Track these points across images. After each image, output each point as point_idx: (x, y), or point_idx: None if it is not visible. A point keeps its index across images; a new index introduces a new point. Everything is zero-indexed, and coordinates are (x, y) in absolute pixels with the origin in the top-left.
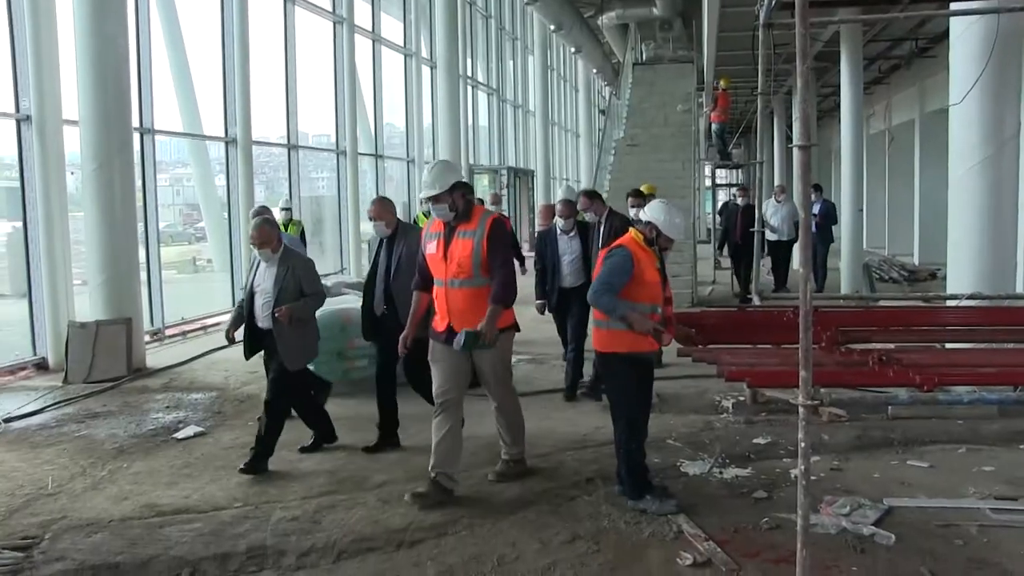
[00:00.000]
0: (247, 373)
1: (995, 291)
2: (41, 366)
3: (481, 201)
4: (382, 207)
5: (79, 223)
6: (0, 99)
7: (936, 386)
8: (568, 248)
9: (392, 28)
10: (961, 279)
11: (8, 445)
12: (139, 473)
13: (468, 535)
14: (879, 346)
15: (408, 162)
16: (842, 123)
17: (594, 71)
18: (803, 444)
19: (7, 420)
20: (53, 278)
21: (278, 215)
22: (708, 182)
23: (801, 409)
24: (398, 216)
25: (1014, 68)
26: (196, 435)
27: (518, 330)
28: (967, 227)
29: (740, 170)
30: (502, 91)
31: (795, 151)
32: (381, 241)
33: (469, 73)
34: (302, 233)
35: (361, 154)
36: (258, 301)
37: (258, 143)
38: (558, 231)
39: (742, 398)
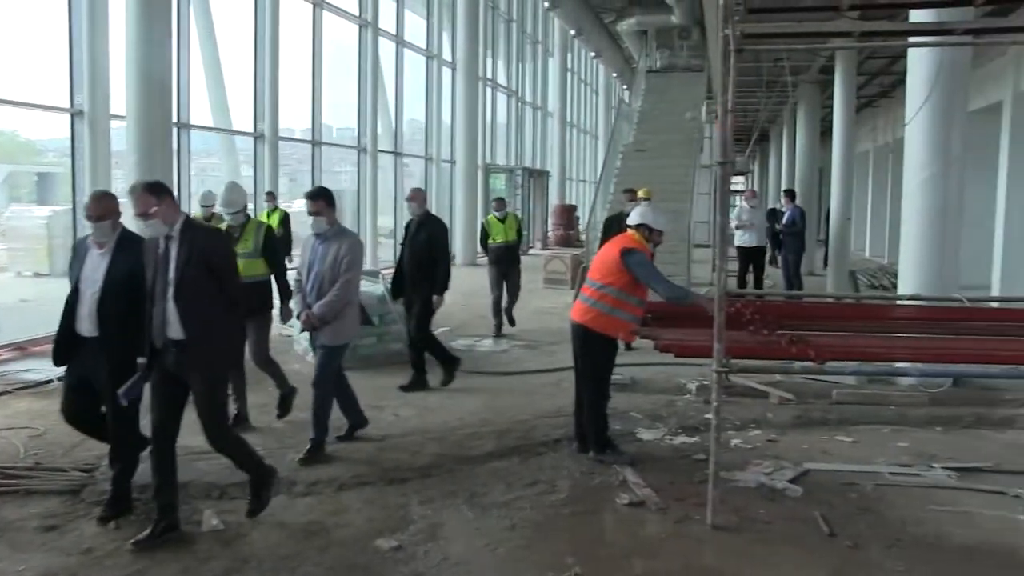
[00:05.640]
0: None
1: (940, 292)
2: None
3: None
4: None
5: None
6: (55, 94)
7: (825, 359)
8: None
9: (417, 29)
10: (908, 281)
11: None
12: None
13: (448, 476)
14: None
15: (426, 160)
16: (834, 138)
17: (614, 75)
18: (715, 403)
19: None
20: None
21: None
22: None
23: (713, 373)
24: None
25: (960, 94)
26: None
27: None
28: (916, 235)
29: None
30: (521, 93)
31: (716, 168)
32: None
33: (489, 75)
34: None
35: (381, 151)
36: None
37: (284, 139)
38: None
39: (706, 382)
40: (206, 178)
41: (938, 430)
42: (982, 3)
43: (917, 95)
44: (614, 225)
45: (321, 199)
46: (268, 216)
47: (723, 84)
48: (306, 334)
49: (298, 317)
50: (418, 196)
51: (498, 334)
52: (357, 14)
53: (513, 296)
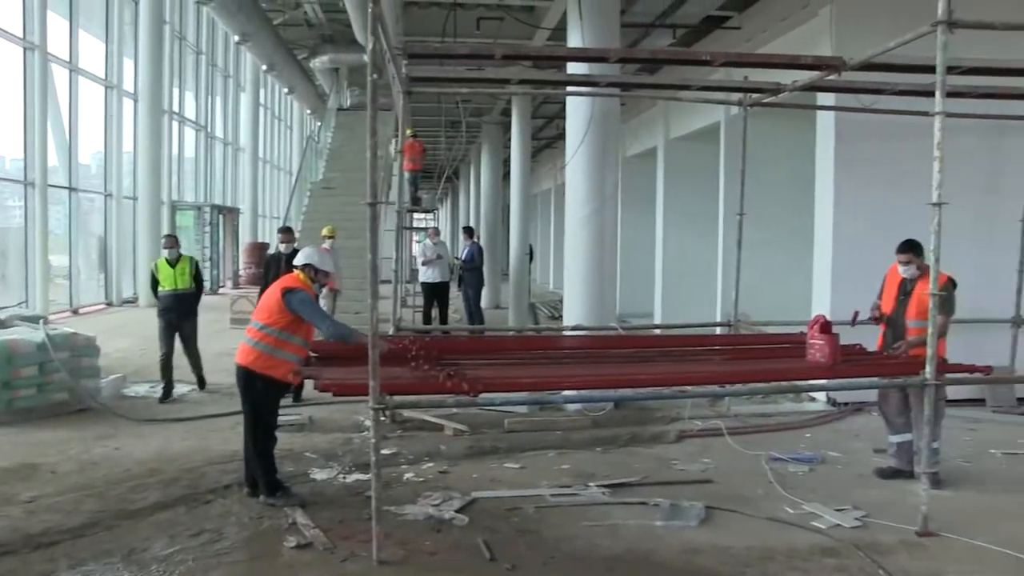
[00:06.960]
0: None
1: (600, 322)
2: None
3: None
4: None
5: None
6: None
7: (479, 392)
8: None
9: (95, 55)
10: (573, 311)
11: None
12: None
13: (105, 535)
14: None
15: (106, 196)
16: (512, 177)
17: (308, 111)
18: (374, 440)
19: None
20: None
21: None
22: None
23: (371, 411)
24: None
25: (612, 139)
26: None
27: None
28: (578, 269)
29: (431, 214)
30: (211, 127)
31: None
32: None
33: (176, 108)
34: None
35: (52, 186)
36: None
37: None
38: None
39: (383, 418)
40: None
41: (598, 451)
42: (615, 60)
43: (575, 139)
44: (272, 266)
45: None
46: None
47: (370, 128)
48: None
49: None
50: None
51: (166, 398)
52: (21, 35)
53: (192, 354)
